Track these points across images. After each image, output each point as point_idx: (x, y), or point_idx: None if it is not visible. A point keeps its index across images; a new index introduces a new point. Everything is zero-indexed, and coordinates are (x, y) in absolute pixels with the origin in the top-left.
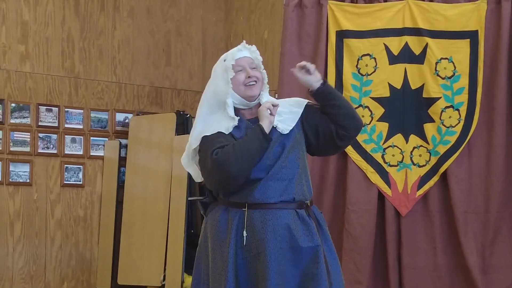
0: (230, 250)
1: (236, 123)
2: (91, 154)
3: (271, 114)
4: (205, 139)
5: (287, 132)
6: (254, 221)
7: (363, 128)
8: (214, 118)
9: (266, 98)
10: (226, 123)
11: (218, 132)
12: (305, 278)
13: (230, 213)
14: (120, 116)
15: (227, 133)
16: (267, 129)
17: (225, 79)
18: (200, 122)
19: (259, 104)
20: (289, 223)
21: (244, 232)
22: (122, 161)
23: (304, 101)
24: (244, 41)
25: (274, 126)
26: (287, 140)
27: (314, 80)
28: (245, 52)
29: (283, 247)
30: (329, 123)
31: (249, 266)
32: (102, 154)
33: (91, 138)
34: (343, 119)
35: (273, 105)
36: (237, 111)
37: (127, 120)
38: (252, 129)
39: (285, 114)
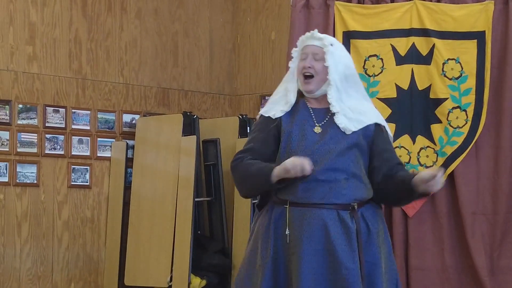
0: (271, 247)
1: (287, 109)
2: (98, 155)
3: (294, 172)
4: (254, 124)
5: (349, 132)
6: (293, 219)
7: None
8: (280, 97)
9: (334, 94)
10: (279, 107)
11: (266, 118)
12: (337, 282)
13: (274, 210)
14: (127, 117)
15: (274, 118)
16: (276, 177)
17: (293, 64)
18: (272, 96)
19: (325, 96)
20: (328, 224)
21: (287, 230)
22: (129, 162)
23: (382, 119)
24: (316, 30)
25: (336, 123)
26: (346, 140)
27: (436, 188)
28: (313, 40)
29: (318, 249)
30: (378, 175)
31: (288, 265)
32: (109, 155)
33: (98, 139)
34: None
35: (306, 169)
36: (302, 95)
37: (134, 121)
38: (266, 166)
39: (356, 114)
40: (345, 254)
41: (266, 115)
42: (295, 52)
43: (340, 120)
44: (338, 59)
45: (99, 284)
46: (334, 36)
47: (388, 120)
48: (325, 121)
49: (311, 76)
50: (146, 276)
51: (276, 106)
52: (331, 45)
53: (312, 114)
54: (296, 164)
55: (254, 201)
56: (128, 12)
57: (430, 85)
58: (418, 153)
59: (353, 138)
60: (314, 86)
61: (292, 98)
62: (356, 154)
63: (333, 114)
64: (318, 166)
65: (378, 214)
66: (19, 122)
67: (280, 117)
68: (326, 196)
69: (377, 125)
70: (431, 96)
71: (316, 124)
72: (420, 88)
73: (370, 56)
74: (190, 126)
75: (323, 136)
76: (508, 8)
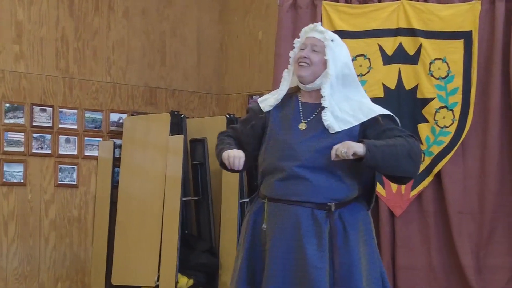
0: (247, 240)
1: (275, 103)
2: (85, 154)
3: (227, 163)
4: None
5: (333, 132)
6: (270, 214)
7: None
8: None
9: (327, 89)
10: (271, 100)
11: (258, 106)
12: (304, 280)
13: (255, 204)
14: (114, 117)
15: (264, 110)
16: (222, 160)
17: (292, 54)
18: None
19: (318, 91)
20: (301, 222)
21: (264, 225)
22: (116, 162)
23: (374, 112)
24: (320, 22)
25: (322, 119)
26: (329, 139)
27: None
28: (314, 33)
29: (289, 246)
30: None
31: (263, 259)
32: (96, 155)
33: (85, 138)
34: (399, 177)
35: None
36: (299, 90)
37: (121, 121)
38: (223, 149)
39: (344, 114)
40: (313, 253)
41: (260, 104)
42: (297, 42)
43: (327, 117)
44: (338, 56)
45: (86, 283)
46: None
47: None
48: (312, 117)
49: (307, 65)
50: (133, 276)
51: (270, 98)
52: (332, 41)
53: (301, 110)
54: (230, 156)
55: (241, 200)
56: (116, 11)
57: (417, 85)
58: None
59: (337, 138)
60: (306, 73)
61: (284, 88)
62: None
63: (322, 109)
64: (298, 163)
65: (360, 215)
66: (6, 121)
67: (269, 111)
68: (303, 194)
69: (367, 121)
70: (418, 95)
71: (302, 120)
72: (407, 88)
73: (357, 55)
74: (177, 126)
75: (307, 133)
76: (494, 7)
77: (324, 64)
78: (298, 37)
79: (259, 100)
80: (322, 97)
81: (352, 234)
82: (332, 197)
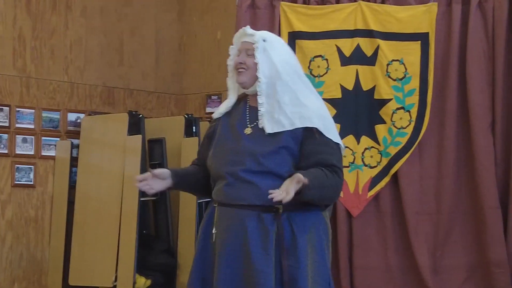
0: (200, 243)
1: (225, 110)
2: (43, 154)
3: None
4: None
5: (270, 132)
6: (219, 219)
7: None
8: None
9: (264, 91)
10: (220, 108)
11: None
12: (250, 284)
13: (208, 208)
14: (72, 116)
15: (215, 117)
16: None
17: (231, 61)
18: None
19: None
20: (247, 225)
21: (214, 229)
22: (74, 161)
23: (310, 123)
24: (248, 26)
25: (259, 124)
26: (274, 142)
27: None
28: (245, 36)
29: (236, 250)
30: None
31: (213, 263)
32: (53, 154)
33: (43, 138)
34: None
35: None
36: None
37: (79, 120)
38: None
39: (281, 116)
40: (259, 257)
41: (213, 115)
42: (232, 49)
43: (262, 119)
44: (273, 54)
45: (43, 284)
46: (279, 36)
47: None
48: (257, 121)
49: (244, 70)
50: (90, 276)
51: (222, 106)
52: (264, 40)
53: (247, 114)
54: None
55: (199, 201)
56: (73, 10)
57: (374, 86)
58: (363, 153)
59: (281, 141)
60: (245, 78)
61: (233, 97)
62: (284, 157)
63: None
64: (243, 168)
65: (311, 218)
66: None
67: (220, 118)
68: (249, 198)
69: (306, 127)
70: (376, 96)
71: (248, 125)
72: (364, 89)
73: (316, 56)
74: (135, 126)
75: (252, 137)
76: (451, 10)
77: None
78: None
79: (216, 111)
80: (260, 103)
81: (300, 237)
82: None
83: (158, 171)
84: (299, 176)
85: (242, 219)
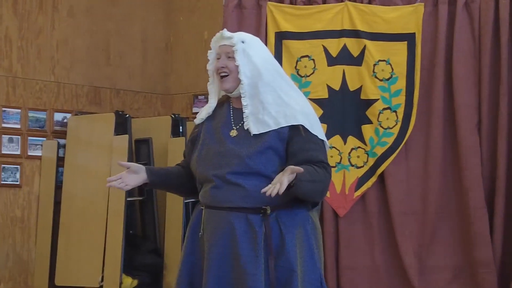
0: (187, 246)
1: (207, 114)
2: (29, 154)
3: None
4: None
5: (255, 133)
6: (206, 222)
7: None
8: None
9: (248, 93)
10: (201, 114)
11: (194, 126)
12: (239, 287)
13: (195, 211)
14: (58, 116)
15: (197, 123)
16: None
17: (210, 66)
18: None
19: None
20: (235, 228)
21: (201, 232)
22: (60, 161)
23: (295, 120)
24: (225, 29)
25: (244, 125)
26: (259, 143)
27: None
28: (223, 40)
29: (225, 253)
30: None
31: (201, 266)
32: (40, 154)
33: (29, 138)
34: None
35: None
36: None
37: (65, 120)
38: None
39: (265, 116)
40: (248, 259)
41: (195, 120)
42: (210, 54)
43: (247, 121)
44: (253, 55)
45: (29, 284)
46: (266, 36)
47: (319, 120)
48: (241, 123)
49: (227, 75)
50: (77, 276)
51: (203, 111)
52: (242, 42)
53: (232, 116)
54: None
55: (186, 201)
56: (60, 10)
57: (361, 86)
58: (349, 153)
59: (267, 142)
60: (230, 84)
61: (213, 101)
62: (271, 157)
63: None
64: (229, 170)
65: (299, 217)
66: None
67: (203, 122)
68: (237, 200)
69: (292, 126)
70: (362, 97)
71: (233, 127)
72: (351, 89)
73: (302, 56)
74: (122, 125)
75: (238, 139)
76: (437, 10)
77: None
78: None
79: (197, 116)
80: (244, 105)
81: (288, 237)
82: (266, 200)
83: (128, 163)
84: (291, 167)
85: (230, 222)
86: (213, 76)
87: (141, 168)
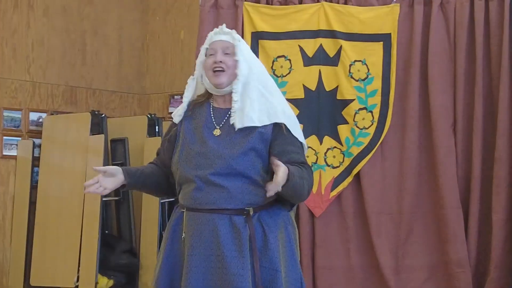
0: (166, 249)
1: (183, 112)
2: (4, 153)
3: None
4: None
5: (240, 127)
6: (188, 224)
7: None
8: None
9: (240, 90)
10: (179, 111)
11: (171, 125)
12: None
13: (175, 213)
14: (34, 116)
15: (176, 122)
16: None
17: (198, 63)
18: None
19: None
20: (219, 229)
21: (183, 234)
22: (36, 161)
23: (277, 118)
24: (224, 24)
25: (229, 120)
26: (242, 144)
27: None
28: (222, 35)
29: (208, 255)
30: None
31: (181, 269)
32: (15, 154)
33: (4, 137)
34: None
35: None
36: (211, 95)
37: (41, 120)
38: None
39: (250, 112)
40: (234, 260)
41: (173, 118)
42: (203, 49)
43: (233, 116)
44: (247, 54)
45: (4, 284)
46: (242, 36)
47: None
48: (223, 123)
49: (223, 71)
50: (52, 276)
51: (180, 109)
52: (239, 41)
53: (212, 116)
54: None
55: (162, 201)
56: (35, 9)
57: (337, 86)
58: (325, 153)
59: (250, 143)
60: (224, 79)
61: (188, 95)
62: (253, 159)
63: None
64: (211, 171)
65: (280, 217)
66: None
67: (181, 121)
68: (218, 201)
69: (275, 125)
70: (338, 97)
71: (216, 126)
72: (327, 89)
73: (278, 56)
74: (98, 125)
75: (221, 139)
76: (413, 11)
77: (236, 65)
78: None
79: (172, 114)
80: (234, 101)
81: (271, 237)
82: (249, 201)
83: (104, 168)
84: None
85: (213, 224)
86: (201, 71)
87: (117, 170)
